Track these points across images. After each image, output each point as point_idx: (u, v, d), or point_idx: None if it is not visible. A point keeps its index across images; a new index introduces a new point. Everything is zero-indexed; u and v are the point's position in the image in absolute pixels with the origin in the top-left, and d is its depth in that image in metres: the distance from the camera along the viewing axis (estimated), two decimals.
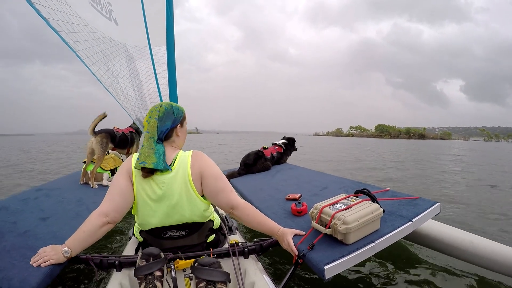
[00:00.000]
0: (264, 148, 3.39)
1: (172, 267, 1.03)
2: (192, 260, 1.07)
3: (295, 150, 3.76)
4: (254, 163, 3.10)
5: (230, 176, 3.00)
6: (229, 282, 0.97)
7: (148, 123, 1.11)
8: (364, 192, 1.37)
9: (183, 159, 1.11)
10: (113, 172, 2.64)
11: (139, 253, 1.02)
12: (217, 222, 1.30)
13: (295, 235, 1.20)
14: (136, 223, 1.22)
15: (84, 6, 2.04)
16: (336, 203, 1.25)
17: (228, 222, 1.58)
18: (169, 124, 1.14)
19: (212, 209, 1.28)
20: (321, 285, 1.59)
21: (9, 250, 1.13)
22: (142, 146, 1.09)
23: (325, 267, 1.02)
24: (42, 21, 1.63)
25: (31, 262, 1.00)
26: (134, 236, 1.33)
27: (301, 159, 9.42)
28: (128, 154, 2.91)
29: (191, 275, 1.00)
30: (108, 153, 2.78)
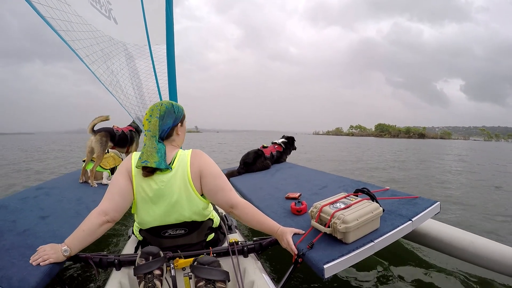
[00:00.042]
0: (263, 147, 3.39)
1: (172, 266, 1.02)
2: (191, 259, 1.07)
3: (295, 149, 3.77)
4: (254, 162, 3.10)
5: (230, 175, 3.01)
6: (229, 281, 0.97)
7: (149, 122, 1.11)
8: (363, 191, 1.37)
9: (182, 158, 1.11)
10: (112, 170, 2.64)
11: (139, 252, 1.02)
12: (217, 221, 1.30)
13: (295, 234, 1.21)
14: (135, 222, 1.22)
15: (83, 5, 2.04)
16: (335, 202, 1.25)
17: (227, 221, 1.58)
18: (171, 122, 1.14)
19: (212, 208, 1.28)
20: (320, 284, 1.60)
21: (9, 249, 1.13)
22: (144, 145, 1.08)
23: (325, 266, 1.02)
24: (42, 20, 1.63)
25: (30, 261, 1.00)
26: (134, 234, 1.34)
27: (301, 159, 9.40)
28: (127, 152, 2.91)
29: (190, 274, 1.00)
30: (108, 151, 2.78)
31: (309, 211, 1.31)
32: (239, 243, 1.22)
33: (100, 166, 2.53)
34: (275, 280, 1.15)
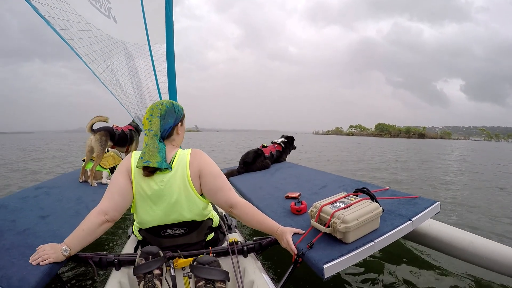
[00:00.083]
0: (263, 146, 3.39)
1: (171, 265, 1.02)
2: (191, 259, 1.07)
3: (294, 148, 3.78)
4: (254, 162, 3.10)
5: (230, 174, 3.01)
6: (228, 281, 0.97)
7: (150, 121, 1.10)
8: (363, 191, 1.36)
9: (182, 157, 1.11)
10: (112, 170, 2.64)
11: (138, 252, 1.01)
12: (216, 220, 1.30)
13: (294, 233, 1.20)
14: (135, 222, 1.22)
15: (82, 4, 2.03)
16: (335, 201, 1.25)
17: (227, 221, 1.58)
18: (172, 122, 1.13)
19: (211, 207, 1.28)
20: (320, 284, 1.60)
21: (8, 248, 1.13)
22: (146, 145, 1.07)
23: (324, 266, 1.02)
24: (41, 19, 1.62)
25: (30, 261, 1.00)
26: (134, 234, 1.33)
27: (302, 158, 9.38)
28: (127, 152, 2.91)
29: (190, 273, 1.00)
30: (108, 151, 2.77)
31: (308, 211, 1.30)
32: (239, 242, 1.22)
33: (100, 165, 2.53)
34: (275, 280, 1.15)
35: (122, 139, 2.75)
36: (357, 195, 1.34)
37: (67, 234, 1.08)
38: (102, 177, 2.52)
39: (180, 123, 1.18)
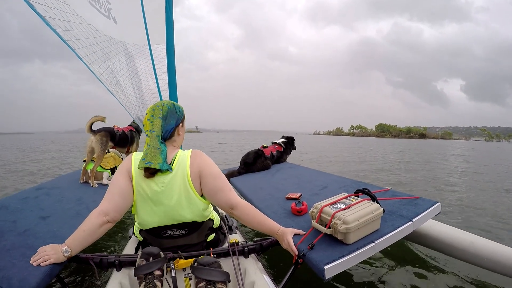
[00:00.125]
0: (264, 147, 3.39)
1: (172, 266, 1.02)
2: (192, 260, 1.07)
3: (294, 149, 3.78)
4: (254, 162, 3.09)
5: (230, 175, 3.00)
6: (229, 281, 0.97)
7: (151, 122, 1.10)
8: (364, 192, 1.36)
9: (182, 158, 1.11)
10: (113, 170, 2.64)
11: (139, 253, 1.01)
12: (217, 221, 1.30)
13: (295, 234, 1.20)
14: (136, 222, 1.22)
15: (82, 4, 2.03)
16: (336, 202, 1.25)
17: (228, 222, 1.58)
18: (173, 123, 1.13)
19: (212, 208, 1.28)
20: (321, 285, 1.59)
21: (9, 249, 1.13)
22: (148, 146, 1.06)
23: (325, 267, 1.02)
24: (41, 20, 1.62)
25: (31, 262, 1.00)
26: (134, 235, 1.33)
27: (303, 159, 9.34)
28: (128, 152, 2.91)
29: (191, 274, 1.00)
30: (108, 151, 2.77)
31: (309, 212, 1.30)
32: (240, 243, 1.22)
33: (101, 166, 2.53)
34: (276, 281, 1.14)
35: (123, 139, 2.75)
36: (358, 196, 1.34)
37: (67, 235, 1.07)
38: (102, 178, 2.53)
39: (181, 124, 1.18)
